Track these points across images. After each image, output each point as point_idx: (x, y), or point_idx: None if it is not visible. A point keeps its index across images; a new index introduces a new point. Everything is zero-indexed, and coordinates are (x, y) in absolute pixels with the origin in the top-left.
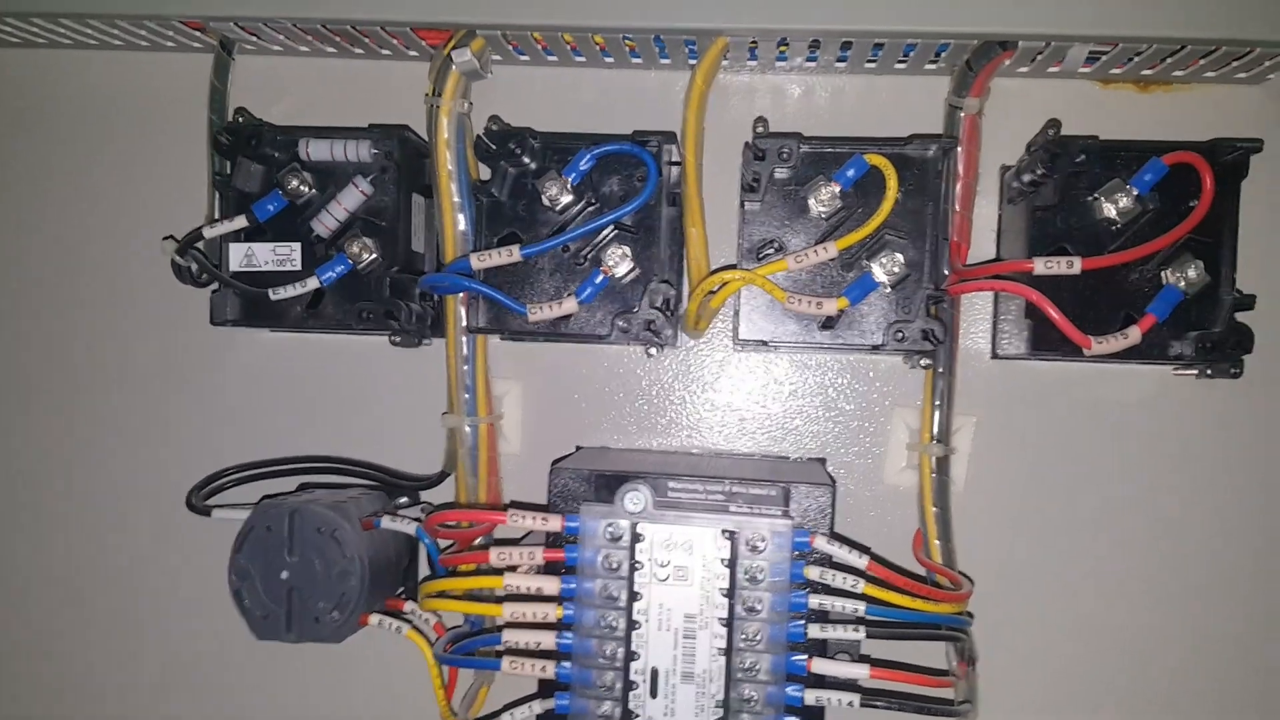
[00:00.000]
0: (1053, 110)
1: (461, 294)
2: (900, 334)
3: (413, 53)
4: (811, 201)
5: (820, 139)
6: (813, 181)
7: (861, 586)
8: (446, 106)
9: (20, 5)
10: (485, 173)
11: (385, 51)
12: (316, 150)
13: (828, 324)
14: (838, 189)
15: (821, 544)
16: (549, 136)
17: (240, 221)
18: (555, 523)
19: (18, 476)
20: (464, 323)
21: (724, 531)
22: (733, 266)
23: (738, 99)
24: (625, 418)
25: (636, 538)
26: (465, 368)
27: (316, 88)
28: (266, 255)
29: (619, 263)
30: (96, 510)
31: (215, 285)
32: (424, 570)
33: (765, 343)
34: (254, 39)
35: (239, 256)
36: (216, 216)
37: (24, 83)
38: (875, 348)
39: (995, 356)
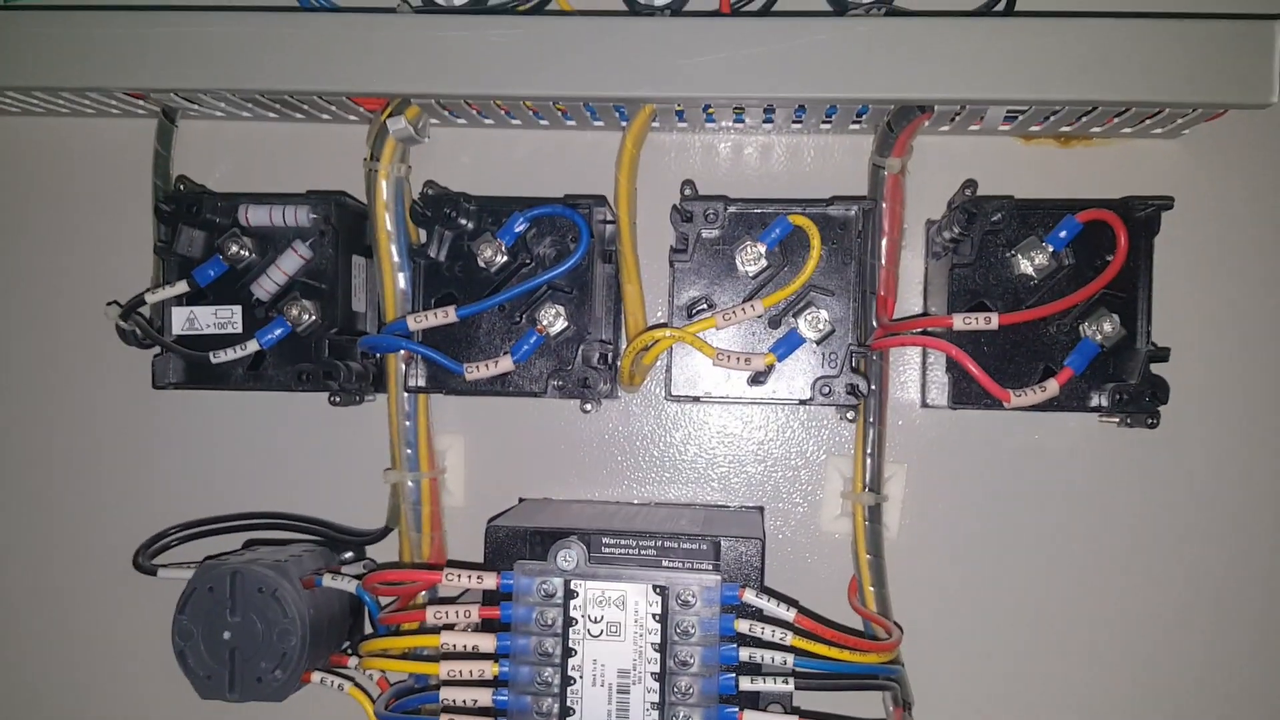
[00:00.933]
0: (977, 165)
1: (401, 352)
2: (826, 389)
3: (352, 117)
4: (739, 260)
5: (746, 200)
6: (740, 241)
7: (790, 639)
8: (384, 171)
9: None
10: (424, 234)
11: (325, 116)
12: (255, 216)
13: (757, 379)
14: (763, 249)
15: (750, 597)
16: (483, 200)
17: (181, 287)
18: (490, 580)
19: None
20: (405, 380)
21: (655, 587)
22: (664, 325)
23: (672, 155)
24: (567, 469)
25: (570, 594)
26: (407, 424)
27: (259, 151)
28: (208, 319)
29: (553, 321)
30: (41, 570)
31: (158, 349)
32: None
33: (697, 398)
34: (195, 107)
35: (181, 320)
36: (160, 281)
37: None
38: (803, 402)
39: (924, 406)
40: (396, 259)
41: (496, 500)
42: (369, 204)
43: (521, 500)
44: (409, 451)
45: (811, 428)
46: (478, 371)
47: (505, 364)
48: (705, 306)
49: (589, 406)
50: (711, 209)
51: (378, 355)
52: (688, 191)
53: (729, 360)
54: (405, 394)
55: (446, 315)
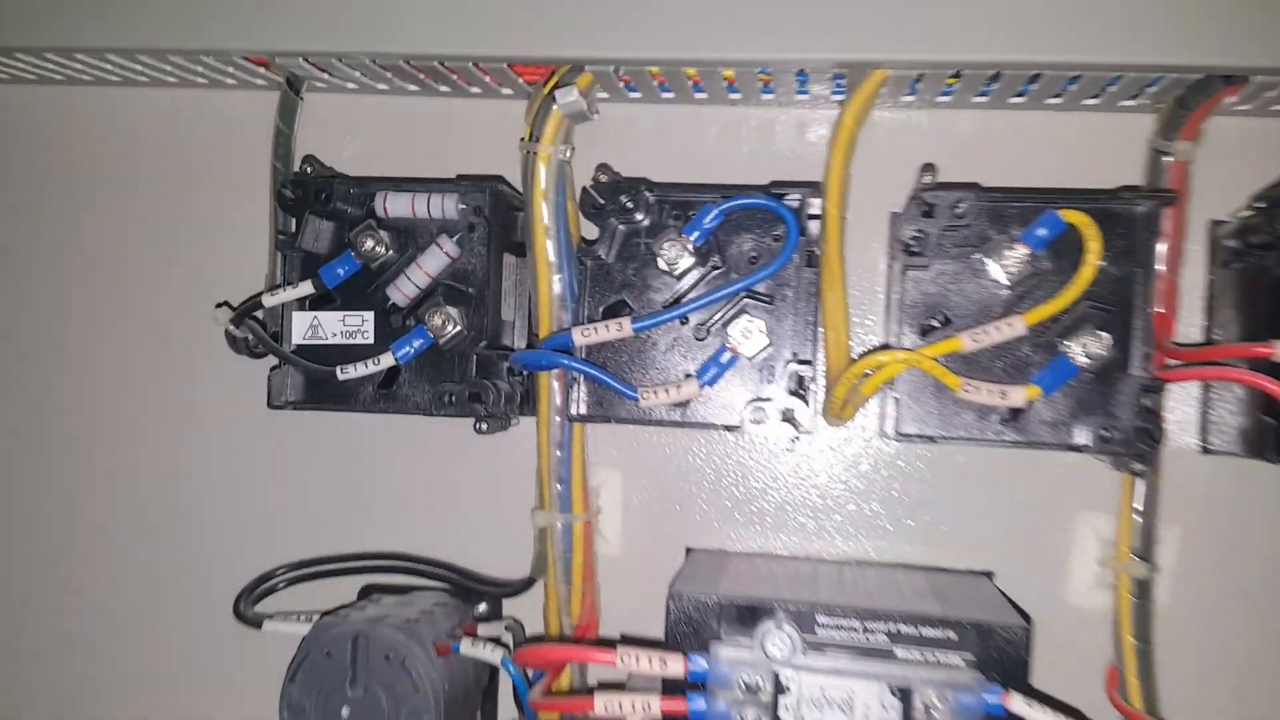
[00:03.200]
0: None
1: (557, 370)
2: (1108, 433)
3: (506, 91)
4: (991, 265)
5: (1001, 191)
6: (992, 242)
7: None
8: (545, 153)
9: (57, 39)
10: (589, 229)
11: (474, 90)
12: (395, 206)
13: (1009, 415)
14: (1026, 251)
15: (1019, 705)
16: (666, 188)
17: (306, 288)
18: (676, 666)
19: (49, 563)
20: (559, 403)
21: (894, 689)
22: (884, 346)
23: (885, 136)
24: (745, 514)
25: (780, 689)
26: (558, 454)
27: (391, 129)
28: (335, 326)
29: (748, 338)
30: (128, 613)
31: (274, 360)
32: (505, 692)
33: (932, 438)
34: (325, 76)
35: (303, 327)
36: (278, 280)
37: (60, 121)
38: (1076, 448)
39: (1206, 451)
40: (554, 258)
41: (657, 548)
42: (525, 192)
43: (690, 552)
44: (560, 488)
45: (1051, 476)
46: (655, 398)
47: (690, 389)
48: (939, 323)
49: (791, 444)
50: (961, 200)
51: (526, 373)
52: (929, 178)
53: (979, 392)
54: (558, 419)
55: (620, 328)
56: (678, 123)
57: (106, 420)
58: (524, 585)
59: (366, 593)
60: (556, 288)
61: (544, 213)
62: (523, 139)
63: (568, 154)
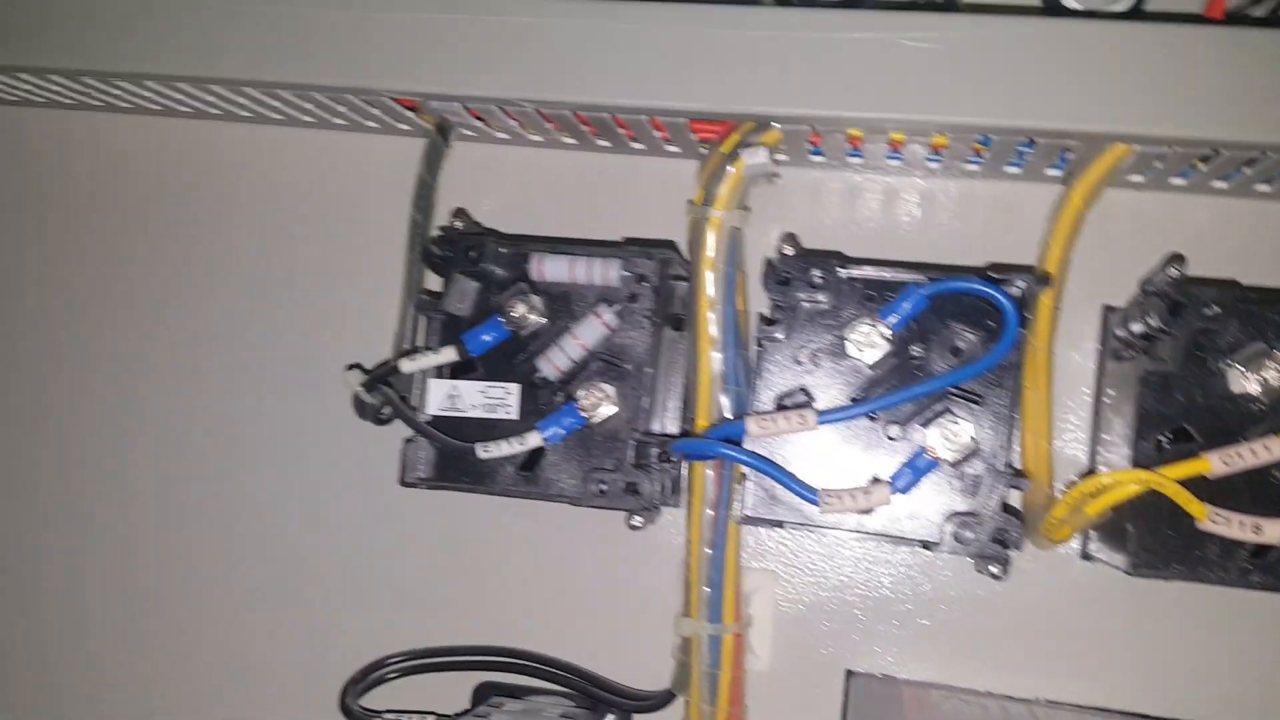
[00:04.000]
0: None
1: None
2: None
3: (672, 148)
4: (1237, 373)
5: (1260, 291)
6: (1249, 348)
7: None
8: (718, 219)
9: (182, 68)
10: (757, 298)
11: (638, 145)
12: (552, 269)
13: (1255, 551)
14: None
15: None
16: (863, 264)
17: (449, 354)
18: None
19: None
20: (713, 496)
21: None
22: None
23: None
24: (918, 636)
25: None
26: (708, 552)
27: (538, 183)
28: (475, 397)
29: (950, 440)
30: (232, 693)
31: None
32: None
33: (1176, 569)
34: (479, 124)
35: (440, 397)
36: (407, 340)
37: (188, 156)
38: None
39: None
40: (718, 334)
41: (812, 669)
42: (692, 259)
43: (851, 675)
44: (709, 593)
45: None
46: (840, 503)
47: (880, 495)
48: (1168, 437)
49: (996, 568)
50: (1219, 298)
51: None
52: (1174, 271)
53: (1230, 525)
54: (710, 512)
55: (803, 421)
56: (867, 190)
57: (223, 482)
58: (663, 700)
59: (483, 692)
60: (719, 368)
61: (711, 283)
62: (691, 201)
63: (742, 220)
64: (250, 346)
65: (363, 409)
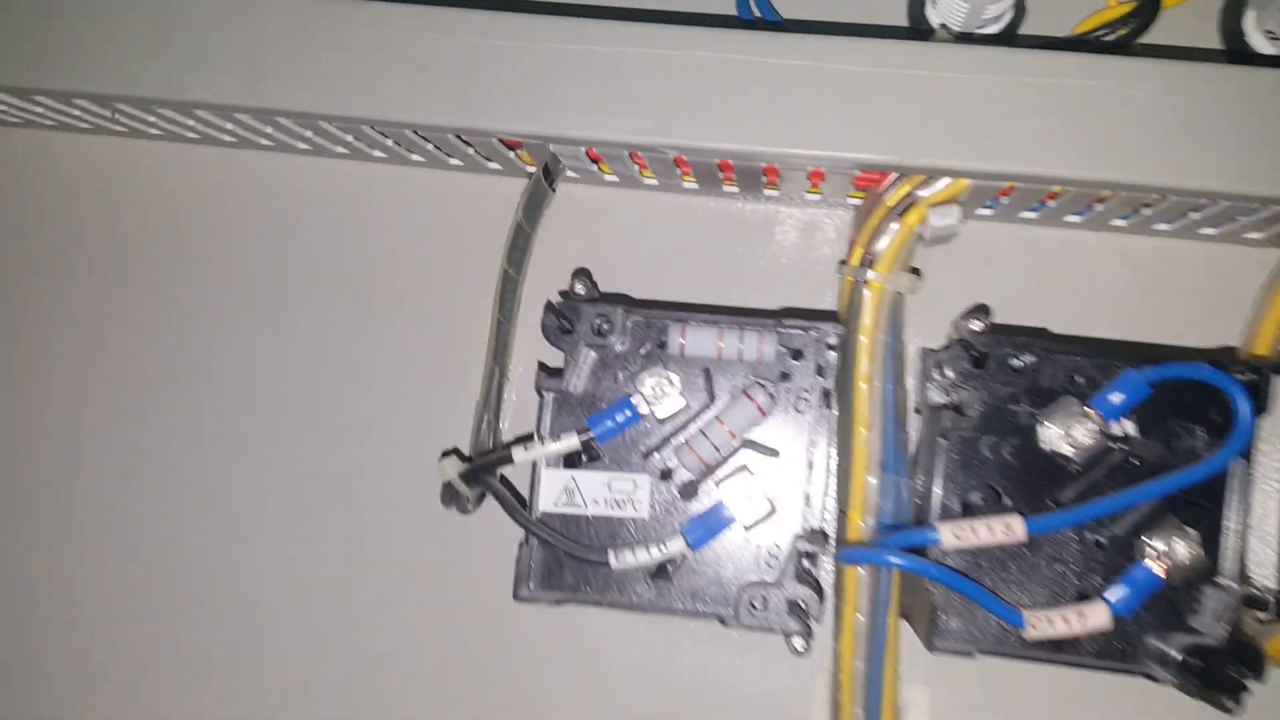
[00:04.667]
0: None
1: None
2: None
3: (813, 197)
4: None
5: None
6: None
7: None
8: (880, 283)
9: (250, 100)
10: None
11: (770, 193)
12: (698, 342)
13: None
14: None
15: None
16: (1068, 344)
17: (572, 442)
18: None
19: None
20: (868, 604)
21: None
22: None
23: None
24: None
25: None
26: (862, 667)
27: (642, 228)
28: (598, 491)
29: (1173, 550)
30: None
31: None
32: None
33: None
34: (592, 167)
35: (555, 491)
36: (496, 417)
37: (244, 191)
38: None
39: None
40: (879, 418)
41: None
42: (850, 330)
43: None
44: (863, 715)
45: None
46: (1050, 627)
47: (1099, 618)
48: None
49: (1236, 706)
50: None
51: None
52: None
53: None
54: (865, 621)
55: (1009, 530)
56: (1047, 246)
57: (299, 577)
58: None
59: None
60: (877, 455)
61: (868, 357)
62: (844, 261)
63: (911, 287)
64: (318, 426)
65: (457, 500)
